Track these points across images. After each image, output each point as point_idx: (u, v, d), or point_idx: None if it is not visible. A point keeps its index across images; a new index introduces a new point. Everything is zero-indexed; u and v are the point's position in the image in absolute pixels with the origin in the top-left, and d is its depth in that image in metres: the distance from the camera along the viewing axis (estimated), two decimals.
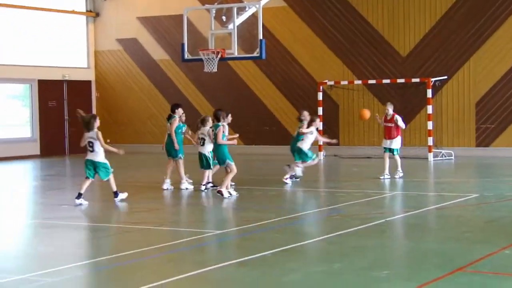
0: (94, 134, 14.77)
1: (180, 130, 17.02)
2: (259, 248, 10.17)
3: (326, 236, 11.08)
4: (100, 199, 15.88)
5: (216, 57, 19.41)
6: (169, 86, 29.59)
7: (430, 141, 24.16)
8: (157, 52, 29.88)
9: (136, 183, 18.48)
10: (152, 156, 26.07)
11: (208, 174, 16.51)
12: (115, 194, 15.06)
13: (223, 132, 15.47)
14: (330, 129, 25.89)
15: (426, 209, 13.79)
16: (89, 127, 14.79)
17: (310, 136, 17.48)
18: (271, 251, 9.89)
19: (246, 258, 9.72)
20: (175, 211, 14.76)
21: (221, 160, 15.53)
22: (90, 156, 14.77)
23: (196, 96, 29.03)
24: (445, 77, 24.92)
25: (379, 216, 12.89)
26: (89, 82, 31.01)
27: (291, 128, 27.53)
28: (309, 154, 17.57)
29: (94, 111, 30.92)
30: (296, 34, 27.26)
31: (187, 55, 20.49)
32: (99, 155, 14.76)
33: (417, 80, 24.77)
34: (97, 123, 14.97)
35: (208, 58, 19.41)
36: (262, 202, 15.12)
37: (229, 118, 16.75)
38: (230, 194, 15.32)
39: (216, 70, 19.48)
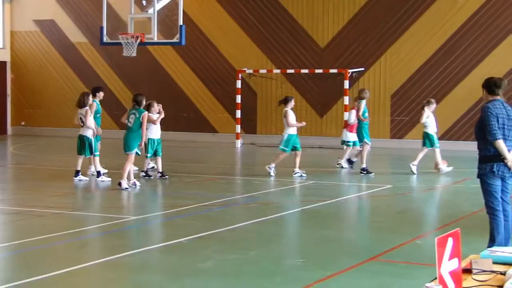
0: (84, 111, 15.54)
1: (98, 114, 16.72)
2: (175, 234, 10.13)
3: (242, 224, 11.11)
4: (17, 181, 15.54)
5: (136, 41, 19.23)
6: (87, 69, 29.16)
7: (344, 132, 24.43)
8: (75, 35, 29.39)
9: (52, 167, 18.15)
10: (67, 140, 25.66)
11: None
12: (98, 173, 15.68)
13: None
14: (247, 118, 25.96)
15: (341, 198, 13.97)
16: (80, 104, 15.60)
17: None
18: (188, 238, 9.86)
19: (162, 244, 9.67)
20: (91, 196, 14.56)
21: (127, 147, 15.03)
22: (80, 131, 15.58)
23: (114, 81, 28.70)
24: (362, 68, 25.27)
25: (295, 205, 12.99)
26: (4, 63, 30.31)
27: (209, 115, 27.53)
28: None
29: (8, 92, 30.29)
30: (216, 21, 27.21)
31: (106, 39, 20.22)
32: (87, 131, 15.58)
33: (335, 71, 25.04)
34: (89, 100, 15.79)
35: (127, 43, 19.20)
36: (179, 189, 15.06)
37: (156, 106, 16.45)
38: (131, 186, 14.85)
39: (135, 54, 19.30)
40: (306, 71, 25.50)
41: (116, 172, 15.99)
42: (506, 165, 8.25)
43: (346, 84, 24.59)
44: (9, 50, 30.49)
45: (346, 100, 24.53)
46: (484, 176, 8.37)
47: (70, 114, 28.58)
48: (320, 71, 25.30)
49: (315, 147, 24.53)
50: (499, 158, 8.21)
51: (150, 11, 19.64)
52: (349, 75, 24.62)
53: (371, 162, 21.48)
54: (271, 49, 26.58)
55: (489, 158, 8.26)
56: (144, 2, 19.74)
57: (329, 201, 13.40)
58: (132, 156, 14.78)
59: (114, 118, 27.06)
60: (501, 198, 8.49)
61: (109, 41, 20.26)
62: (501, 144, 8.15)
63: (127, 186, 14.54)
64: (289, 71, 25.70)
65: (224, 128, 27.03)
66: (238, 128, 25.67)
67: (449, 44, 24.56)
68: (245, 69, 25.95)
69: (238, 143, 25.33)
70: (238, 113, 25.64)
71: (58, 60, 29.74)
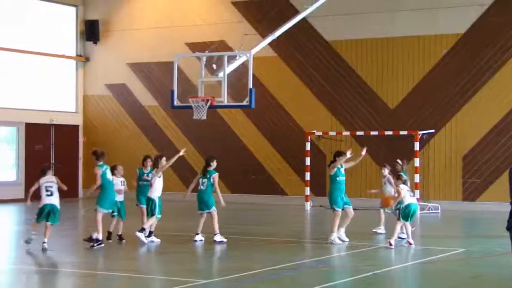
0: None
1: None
2: None
3: None
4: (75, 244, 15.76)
5: (206, 104, 19.40)
6: (157, 132, 29.61)
7: (417, 194, 24.20)
8: (146, 98, 29.97)
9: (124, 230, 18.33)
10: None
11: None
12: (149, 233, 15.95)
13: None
14: (316, 180, 25.89)
15: (413, 262, 13.75)
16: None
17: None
18: None
19: None
20: (162, 259, 14.63)
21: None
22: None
23: (184, 143, 28.96)
24: (433, 130, 25.07)
25: (367, 268, 12.84)
26: (76, 126, 31.01)
27: (278, 177, 27.56)
28: None
29: (80, 156, 30.87)
30: (285, 83, 27.44)
31: (176, 102, 20.47)
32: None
33: (405, 132, 24.90)
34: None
35: (198, 106, 19.40)
36: (249, 251, 15.04)
37: (119, 169, 16.37)
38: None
39: (205, 117, 19.47)
40: (375, 132, 25.42)
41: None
42: None
43: (417, 146, 24.40)
44: (82, 114, 31.21)
45: (416, 162, 24.31)
46: (509, 230, 8.60)
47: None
48: (390, 133, 25.18)
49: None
50: None
51: (220, 74, 19.88)
52: (419, 137, 24.45)
53: (443, 224, 21.12)
54: (340, 111, 26.62)
55: None
56: (214, 66, 20.02)
57: (401, 265, 13.20)
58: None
59: (184, 181, 27.31)
60: None
61: (179, 104, 20.50)
62: None
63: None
64: (358, 133, 25.66)
65: (293, 190, 27.01)
66: (308, 191, 25.60)
67: None
68: (314, 131, 26.00)
69: (307, 205, 25.25)
70: (307, 175, 25.60)
71: (129, 123, 30.31)
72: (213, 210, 16.13)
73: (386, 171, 18.01)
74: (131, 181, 16.56)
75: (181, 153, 16.31)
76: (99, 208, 15.25)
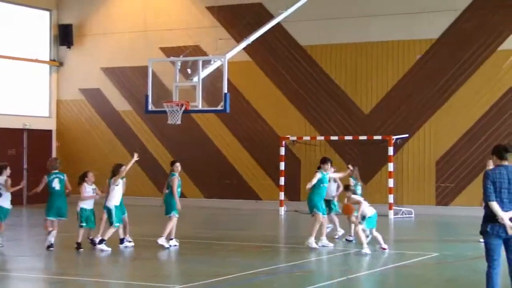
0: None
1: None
2: None
3: None
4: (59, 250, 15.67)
5: (180, 109, 19.37)
6: (131, 137, 29.50)
7: (391, 198, 24.34)
8: (120, 103, 29.86)
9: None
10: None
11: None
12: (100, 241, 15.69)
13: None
14: (291, 185, 25.94)
15: (387, 267, 13.82)
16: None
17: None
18: None
19: None
20: (130, 264, 14.58)
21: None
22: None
23: (158, 148, 28.99)
24: (407, 135, 25.22)
25: (340, 273, 12.89)
26: (50, 131, 30.82)
27: (252, 182, 27.58)
28: None
29: None
30: (260, 88, 27.47)
31: (151, 107, 20.40)
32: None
33: (379, 137, 25.02)
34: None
35: (172, 110, 19.34)
36: (223, 256, 15.03)
37: (90, 176, 16.20)
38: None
39: (180, 122, 19.43)
40: (350, 137, 25.52)
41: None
42: (501, 225, 8.83)
43: (390, 150, 24.54)
44: (55, 119, 31.01)
45: (390, 167, 24.44)
46: (482, 234, 9.07)
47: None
48: (364, 137, 25.29)
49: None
50: (495, 218, 8.85)
51: (195, 79, 19.84)
52: (393, 141, 24.59)
53: (417, 228, 21.25)
54: (314, 116, 26.70)
55: (487, 218, 8.97)
56: (189, 71, 20.00)
57: (374, 270, 13.26)
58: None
59: (158, 185, 27.25)
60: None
61: (154, 109, 20.45)
62: (494, 205, 8.81)
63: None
64: (332, 137, 25.75)
65: (267, 195, 27.04)
66: (282, 195, 25.65)
67: (495, 108, 24.46)
68: (288, 136, 26.05)
69: (282, 210, 25.29)
70: (282, 180, 25.65)
71: (103, 128, 30.17)
72: (173, 215, 16.04)
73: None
74: (102, 186, 16.44)
75: (135, 159, 16.22)
76: (45, 216, 15.53)
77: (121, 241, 15.97)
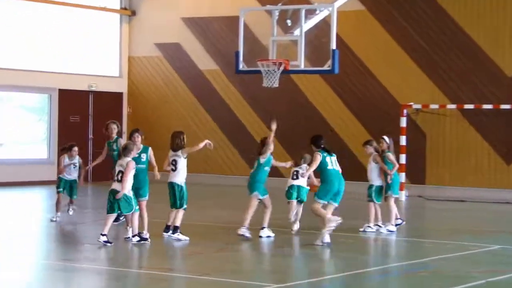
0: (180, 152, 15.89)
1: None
2: None
3: None
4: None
5: (278, 69, 19.41)
6: (217, 103, 29.68)
7: None
8: (204, 61, 30.05)
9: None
10: (193, 187, 26.16)
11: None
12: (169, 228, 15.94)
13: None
14: (414, 163, 25.66)
15: None
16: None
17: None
18: None
19: None
20: (222, 257, 14.70)
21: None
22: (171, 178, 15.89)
23: (250, 115, 29.08)
24: None
25: (478, 275, 12.70)
26: (120, 94, 31.33)
27: (365, 159, 27.38)
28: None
29: (124, 130, 31.14)
30: (375, 44, 27.18)
31: (242, 66, 20.54)
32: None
33: None
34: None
35: (268, 71, 19.41)
36: (331, 250, 15.01)
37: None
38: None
39: (277, 85, 19.49)
40: (489, 106, 25.07)
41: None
42: None
43: None
44: (126, 79, 31.48)
45: None
46: None
47: (196, 156, 29.07)
48: (507, 106, 24.81)
49: (502, 203, 23.97)
50: None
51: (296, 32, 19.82)
52: None
53: None
54: (444, 79, 26.29)
55: None
56: (289, 22, 19.96)
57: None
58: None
59: (248, 161, 27.38)
60: None
61: (246, 69, 20.57)
62: None
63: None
64: (467, 106, 25.34)
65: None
66: (403, 177, 25.37)
67: None
68: (411, 103, 25.76)
69: (403, 195, 25.05)
70: (403, 158, 25.37)
71: (183, 91, 30.45)
72: (255, 195, 16.24)
73: (371, 149, 18.00)
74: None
75: (202, 145, 16.01)
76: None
77: (167, 229, 16.01)
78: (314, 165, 15.96)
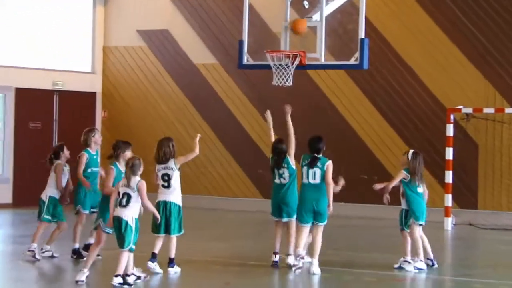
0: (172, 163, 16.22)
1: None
2: None
3: None
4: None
5: (292, 63, 19.41)
6: (215, 105, 29.71)
7: None
8: (199, 53, 30.08)
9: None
10: (194, 212, 26.21)
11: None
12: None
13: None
14: (463, 183, 25.67)
15: None
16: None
17: None
18: None
19: None
20: None
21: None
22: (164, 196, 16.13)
23: (255, 122, 29.08)
24: None
25: None
26: (92, 94, 31.40)
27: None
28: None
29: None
30: (416, 33, 27.20)
31: (246, 59, 20.53)
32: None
33: None
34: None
35: (280, 65, 19.41)
36: None
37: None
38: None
39: (290, 83, 19.48)
40: None
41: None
42: None
43: None
44: (101, 76, 31.50)
45: None
46: None
47: (188, 172, 29.16)
48: None
49: None
50: None
51: (315, 17, 19.82)
52: None
53: None
54: (503, 78, 26.33)
55: None
56: (306, 4, 19.97)
57: None
58: None
59: (256, 182, 27.44)
60: None
61: (251, 62, 20.56)
62: None
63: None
64: None
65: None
66: (449, 199, 25.38)
67: None
68: (460, 107, 25.84)
69: (448, 222, 25.06)
70: (449, 176, 25.38)
71: (173, 90, 30.47)
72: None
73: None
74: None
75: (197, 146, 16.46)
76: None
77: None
78: None
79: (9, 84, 29.19)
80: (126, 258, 14.76)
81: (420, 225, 17.44)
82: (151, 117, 30.77)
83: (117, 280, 14.64)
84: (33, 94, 29.75)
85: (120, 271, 14.68)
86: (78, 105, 30.86)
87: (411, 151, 17.95)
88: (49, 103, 30.28)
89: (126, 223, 14.62)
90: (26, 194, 28.86)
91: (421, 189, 17.54)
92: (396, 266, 17.36)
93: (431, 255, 17.60)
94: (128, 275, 14.95)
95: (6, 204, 28.46)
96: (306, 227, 16.71)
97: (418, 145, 26.93)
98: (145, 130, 30.48)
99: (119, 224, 14.64)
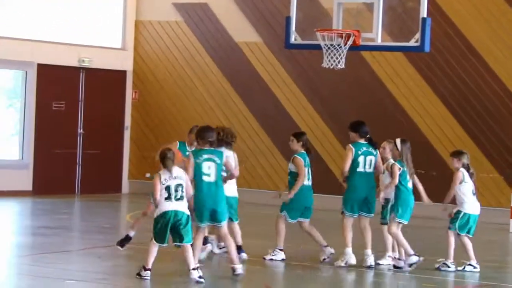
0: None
1: None
2: None
3: None
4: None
5: (345, 44, 19.37)
6: (258, 88, 29.65)
7: None
8: (241, 30, 30.04)
9: None
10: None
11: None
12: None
13: None
14: None
15: None
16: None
17: None
18: None
19: None
20: None
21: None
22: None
23: (302, 107, 29.01)
24: None
25: None
26: (123, 73, 31.49)
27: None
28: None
29: (127, 124, 31.20)
30: (484, 14, 27.00)
31: (294, 38, 20.52)
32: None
33: None
34: None
35: (332, 46, 19.37)
36: None
37: None
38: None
39: (343, 65, 19.42)
40: None
41: None
42: None
43: None
44: (132, 53, 31.54)
45: None
46: None
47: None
48: None
49: None
50: None
51: None
52: None
53: None
54: None
55: None
56: None
57: None
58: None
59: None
60: None
61: (299, 42, 20.55)
62: None
63: None
64: None
65: (491, 197, 26.53)
66: None
67: None
68: None
69: None
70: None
71: (211, 70, 30.44)
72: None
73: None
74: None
75: None
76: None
77: None
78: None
79: (31, 59, 29.24)
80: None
81: (400, 223, 17.62)
82: (186, 100, 30.71)
83: (197, 274, 15.27)
84: (56, 71, 29.78)
85: (194, 264, 15.30)
86: (106, 84, 30.93)
87: (398, 139, 18.17)
88: (74, 81, 30.31)
89: (188, 217, 15.30)
90: (47, 181, 29.00)
91: (410, 183, 17.79)
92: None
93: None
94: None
95: (25, 191, 28.50)
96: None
97: (484, 138, 26.85)
98: (179, 115, 30.47)
99: (178, 219, 15.21)
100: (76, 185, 29.45)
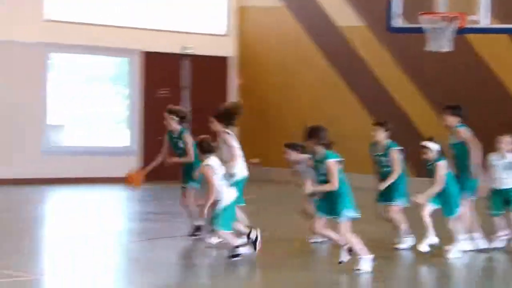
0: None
1: None
2: None
3: None
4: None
5: (451, 27, 19.32)
6: (361, 73, 29.65)
7: None
8: (344, 15, 30.05)
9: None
10: None
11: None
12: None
13: None
14: None
15: None
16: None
17: None
18: None
19: None
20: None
21: None
22: None
23: (408, 92, 28.94)
24: None
25: None
26: (224, 59, 31.75)
27: None
28: None
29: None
30: None
31: (397, 21, 20.52)
32: None
33: None
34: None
35: (437, 29, 19.34)
36: None
37: None
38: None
39: (449, 48, 19.39)
40: None
41: None
42: None
43: None
44: (237, 39, 31.71)
45: None
46: None
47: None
48: None
49: None
50: None
51: None
52: None
53: None
54: None
55: None
56: None
57: None
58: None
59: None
60: None
61: (402, 25, 20.54)
62: None
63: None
64: None
65: None
66: None
67: None
68: None
69: None
70: None
71: (315, 55, 30.48)
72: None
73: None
74: None
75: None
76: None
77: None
78: None
79: (135, 47, 29.61)
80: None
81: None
82: (292, 82, 30.80)
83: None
84: (160, 59, 30.13)
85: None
86: (209, 70, 31.20)
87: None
88: (178, 68, 30.61)
89: None
90: (155, 168, 29.25)
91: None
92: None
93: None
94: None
95: None
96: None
97: None
98: (285, 100, 30.56)
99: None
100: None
